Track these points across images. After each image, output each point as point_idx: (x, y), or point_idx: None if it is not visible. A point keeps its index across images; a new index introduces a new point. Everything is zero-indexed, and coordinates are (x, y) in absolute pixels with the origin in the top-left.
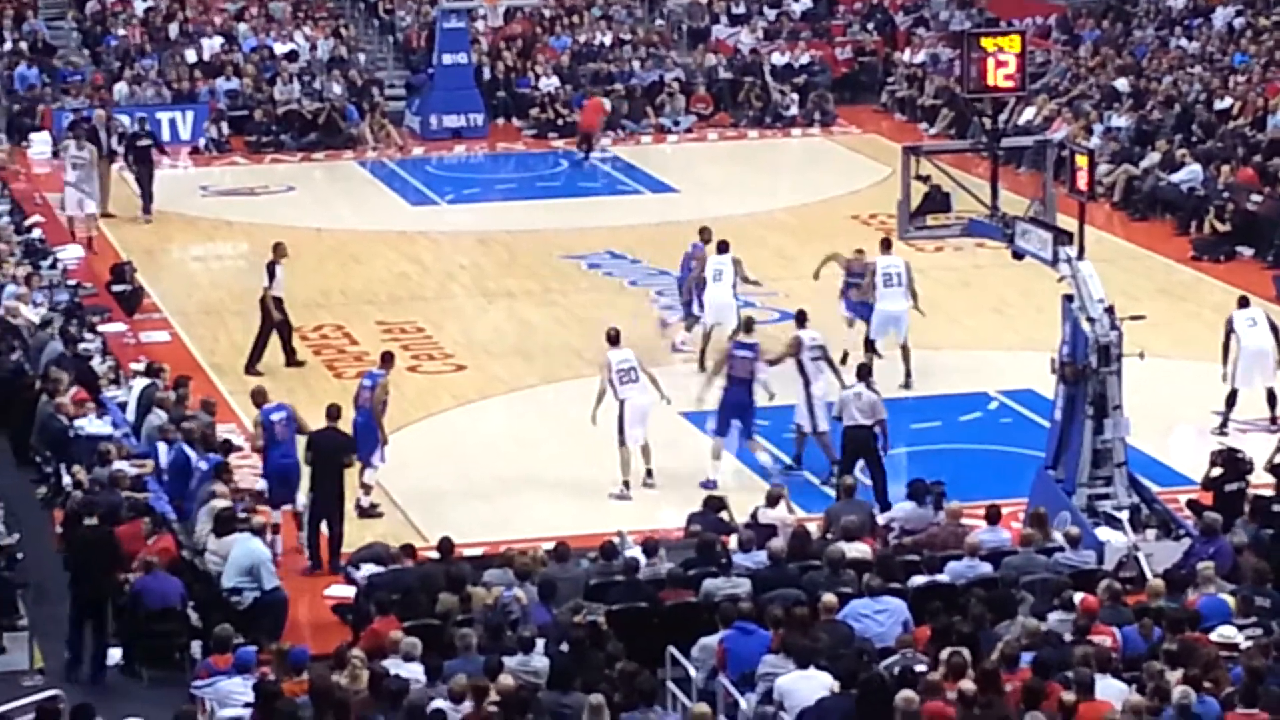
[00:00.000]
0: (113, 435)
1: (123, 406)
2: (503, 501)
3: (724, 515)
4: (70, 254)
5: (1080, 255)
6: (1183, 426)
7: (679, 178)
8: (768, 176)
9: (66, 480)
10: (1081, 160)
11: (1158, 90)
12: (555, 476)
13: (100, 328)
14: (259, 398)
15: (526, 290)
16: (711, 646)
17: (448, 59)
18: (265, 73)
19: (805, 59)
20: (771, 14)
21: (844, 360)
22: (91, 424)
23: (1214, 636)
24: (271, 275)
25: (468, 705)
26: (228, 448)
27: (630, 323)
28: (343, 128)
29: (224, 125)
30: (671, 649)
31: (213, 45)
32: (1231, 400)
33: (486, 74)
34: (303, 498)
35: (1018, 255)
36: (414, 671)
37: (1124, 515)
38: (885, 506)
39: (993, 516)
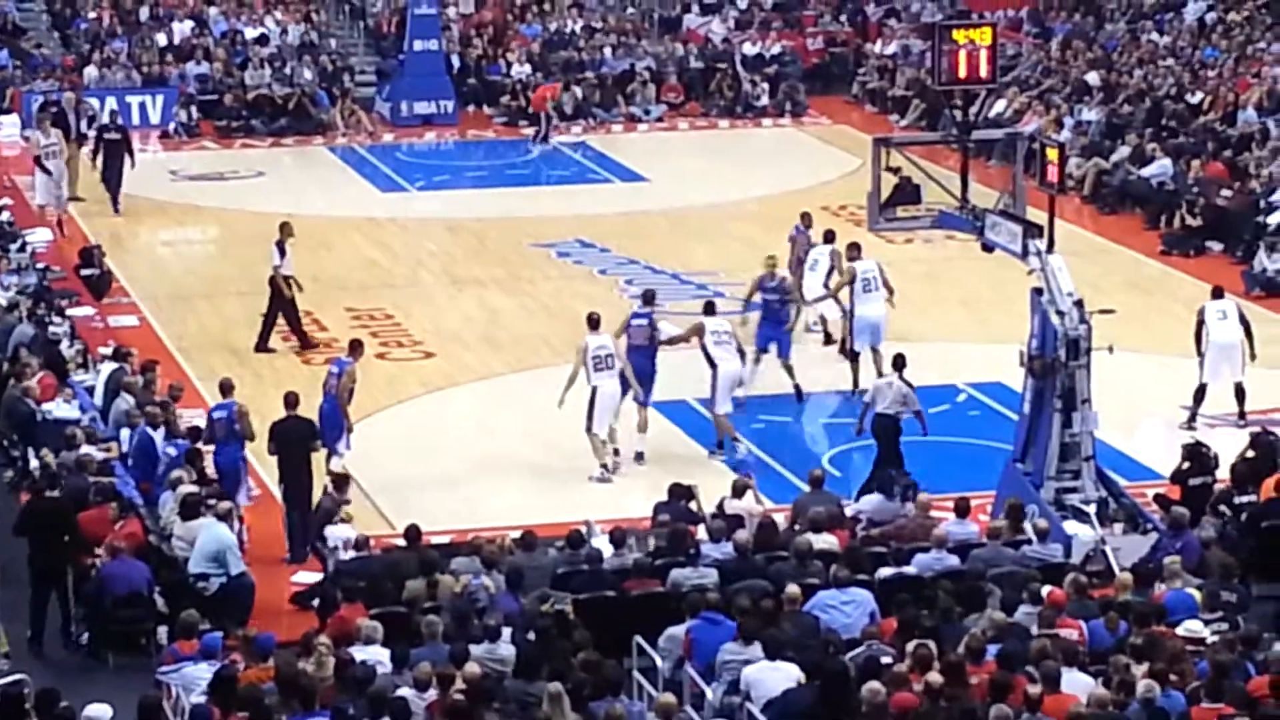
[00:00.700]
0: (80, 419)
1: (90, 391)
2: (470, 490)
3: (692, 505)
4: (39, 237)
5: (1050, 248)
6: (1151, 421)
7: (649, 167)
8: (738, 166)
9: (34, 464)
10: (1052, 153)
11: (1128, 84)
12: (523, 465)
13: (69, 312)
14: (225, 389)
15: (495, 278)
16: (678, 636)
17: (419, 45)
18: (236, 57)
19: (776, 49)
20: (743, 4)
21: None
22: (59, 408)
23: (1180, 631)
24: (282, 253)
25: (433, 693)
26: (195, 433)
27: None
28: (313, 113)
29: (194, 110)
30: (638, 639)
31: (183, 29)
32: (1200, 394)
33: (457, 61)
34: (244, 499)
35: (987, 248)
36: (377, 655)
37: (1091, 509)
38: (904, 499)
39: (961, 509)
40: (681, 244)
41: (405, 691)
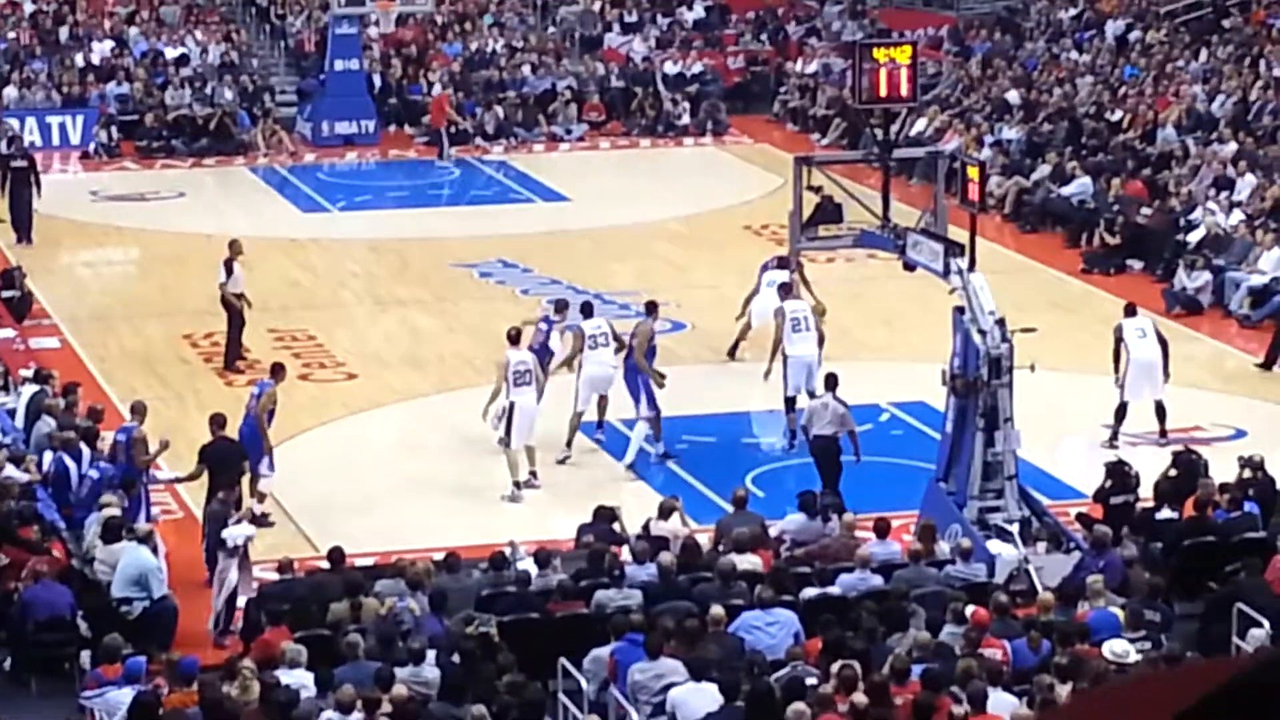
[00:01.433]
0: (2, 442)
1: (12, 414)
2: (394, 511)
3: (615, 526)
4: None
5: (971, 267)
6: (1073, 439)
7: (571, 186)
8: (660, 185)
9: None
10: (973, 172)
11: (1048, 103)
12: (447, 486)
13: None
14: (134, 410)
15: (418, 298)
16: (603, 658)
17: (340, 65)
18: (156, 78)
19: (697, 68)
20: (664, 23)
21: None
22: None
23: (1106, 653)
24: (229, 272)
25: (357, 716)
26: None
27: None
28: (234, 133)
29: (114, 130)
30: (563, 661)
31: (103, 49)
32: (1121, 413)
33: (378, 81)
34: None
35: (909, 267)
36: (301, 679)
37: (1015, 528)
38: (826, 519)
39: (882, 529)
40: (604, 263)
41: (329, 715)
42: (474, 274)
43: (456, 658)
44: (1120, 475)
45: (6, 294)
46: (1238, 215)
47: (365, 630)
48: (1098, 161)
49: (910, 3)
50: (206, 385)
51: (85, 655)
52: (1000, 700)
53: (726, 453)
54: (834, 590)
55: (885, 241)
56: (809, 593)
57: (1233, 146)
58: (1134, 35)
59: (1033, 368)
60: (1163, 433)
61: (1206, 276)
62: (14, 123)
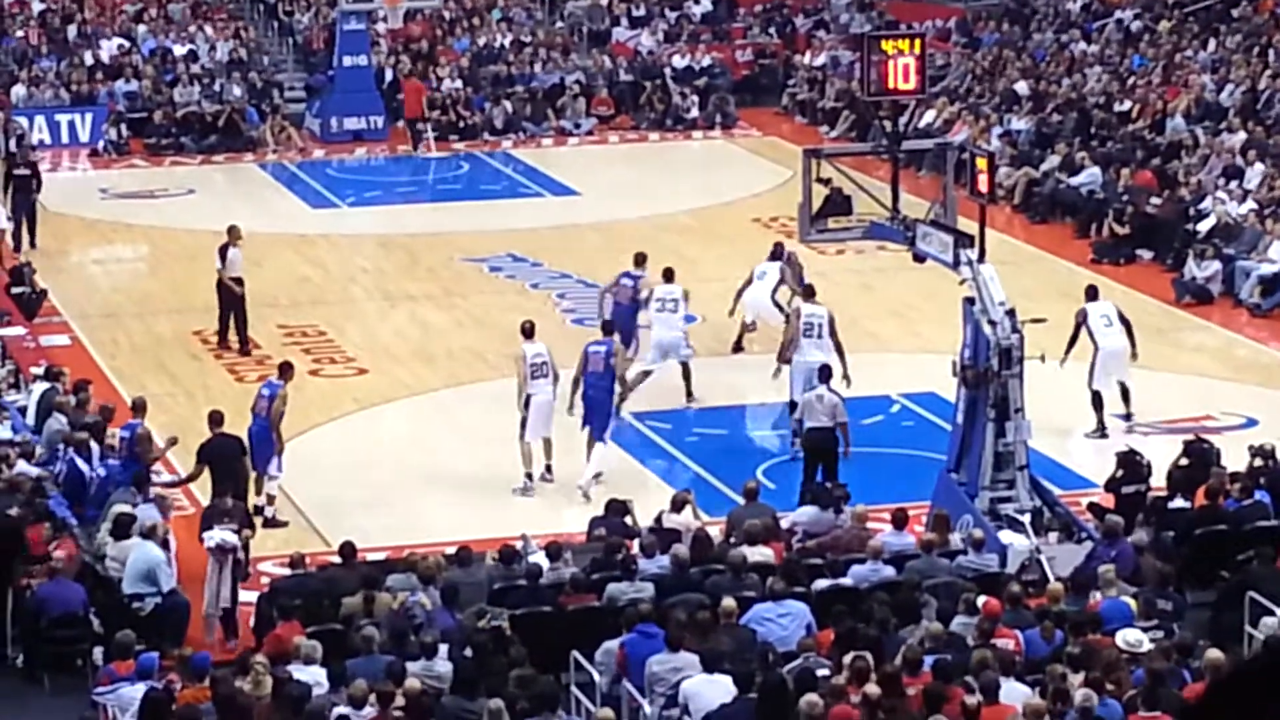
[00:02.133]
0: (13, 440)
1: (23, 411)
2: (405, 506)
3: (627, 519)
4: None
5: (981, 258)
6: (1083, 429)
7: (580, 180)
8: (669, 179)
9: None
10: (982, 163)
11: (1057, 93)
12: (458, 480)
13: None
14: (136, 408)
15: (428, 293)
16: (615, 650)
17: (348, 61)
18: (165, 75)
19: (706, 61)
20: (672, 17)
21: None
22: None
23: (1119, 642)
24: (223, 258)
25: (369, 710)
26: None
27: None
28: (243, 130)
29: (123, 127)
30: (575, 654)
31: (111, 47)
32: (1098, 402)
33: (387, 76)
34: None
35: (919, 258)
36: (314, 675)
37: (1026, 518)
38: (838, 510)
39: (899, 520)
40: (613, 257)
41: (342, 710)
42: (484, 268)
43: (469, 651)
44: (1132, 465)
45: (17, 290)
46: (1248, 204)
47: (378, 624)
48: (1107, 152)
49: None
50: (217, 382)
51: (98, 651)
52: (1013, 690)
53: (737, 445)
54: (846, 581)
55: (895, 233)
56: (821, 584)
57: (1242, 136)
58: (1143, 25)
59: (1043, 358)
60: (1128, 415)
61: (1216, 266)
62: (23, 121)
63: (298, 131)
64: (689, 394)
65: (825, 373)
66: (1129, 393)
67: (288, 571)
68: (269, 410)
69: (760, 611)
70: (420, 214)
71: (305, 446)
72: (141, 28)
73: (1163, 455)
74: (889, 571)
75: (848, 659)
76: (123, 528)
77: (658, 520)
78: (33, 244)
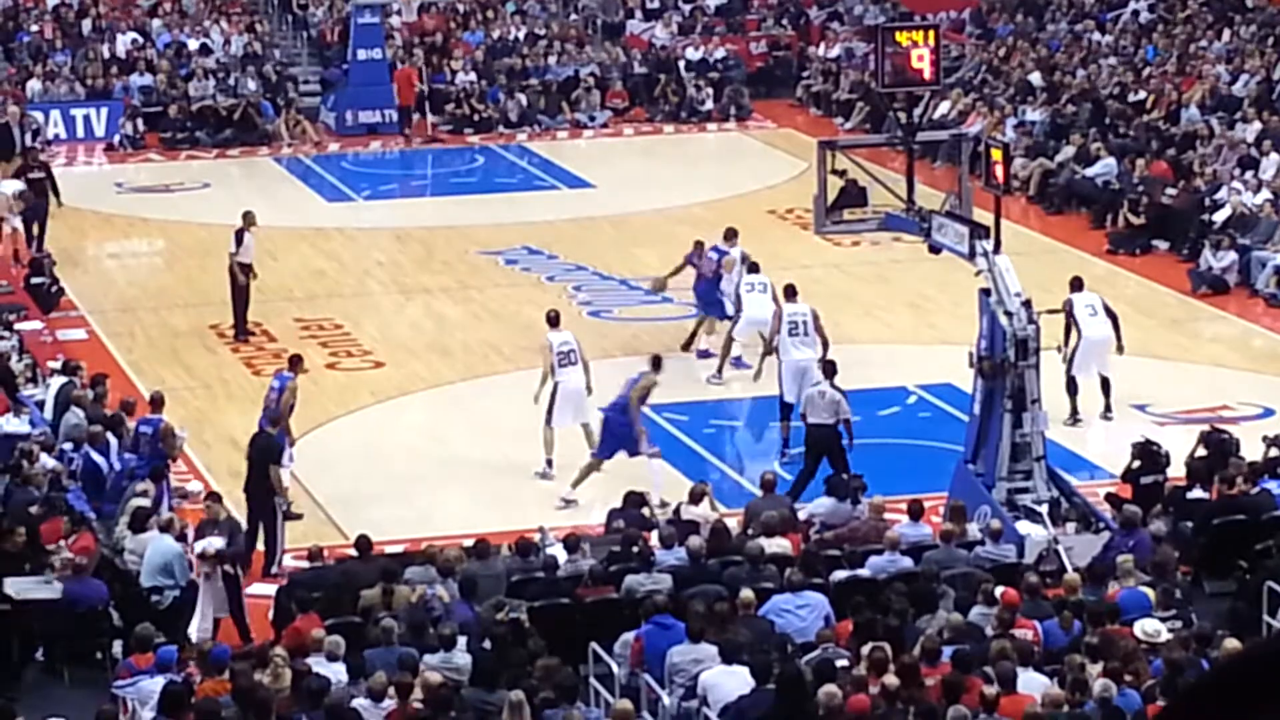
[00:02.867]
0: (30, 434)
1: (40, 405)
2: (423, 498)
3: (645, 511)
4: None
5: (997, 249)
6: (1100, 419)
7: (595, 173)
8: (684, 171)
9: None
10: (997, 154)
11: (1071, 84)
12: (475, 473)
13: (16, 326)
14: (155, 403)
15: (444, 286)
16: (630, 643)
17: (362, 55)
18: (180, 69)
19: (720, 54)
20: (686, 9)
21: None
22: (9, 423)
23: (1138, 632)
24: (239, 242)
25: (389, 703)
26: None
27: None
28: (258, 124)
29: (139, 122)
30: (594, 645)
31: (126, 41)
32: (1072, 388)
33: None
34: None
35: (934, 249)
36: (336, 671)
37: (1044, 509)
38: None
39: (915, 512)
40: (628, 249)
41: (360, 702)
42: (499, 261)
43: (487, 644)
44: (1150, 455)
45: (36, 280)
46: (1263, 194)
47: (396, 616)
48: (1122, 142)
49: None
50: (233, 375)
51: (117, 645)
52: (1031, 680)
53: (754, 437)
54: (864, 572)
55: (910, 224)
56: (839, 575)
57: (1257, 126)
58: (1157, 15)
59: (1060, 349)
60: (1108, 407)
61: (1232, 256)
62: (38, 116)
63: (312, 125)
64: (757, 374)
65: (830, 369)
66: (1109, 385)
67: (305, 564)
68: (278, 402)
69: (778, 603)
70: (435, 207)
71: (322, 439)
72: (156, 22)
73: (1180, 446)
74: (907, 562)
75: (866, 650)
76: (141, 521)
77: (676, 512)
78: (40, 244)
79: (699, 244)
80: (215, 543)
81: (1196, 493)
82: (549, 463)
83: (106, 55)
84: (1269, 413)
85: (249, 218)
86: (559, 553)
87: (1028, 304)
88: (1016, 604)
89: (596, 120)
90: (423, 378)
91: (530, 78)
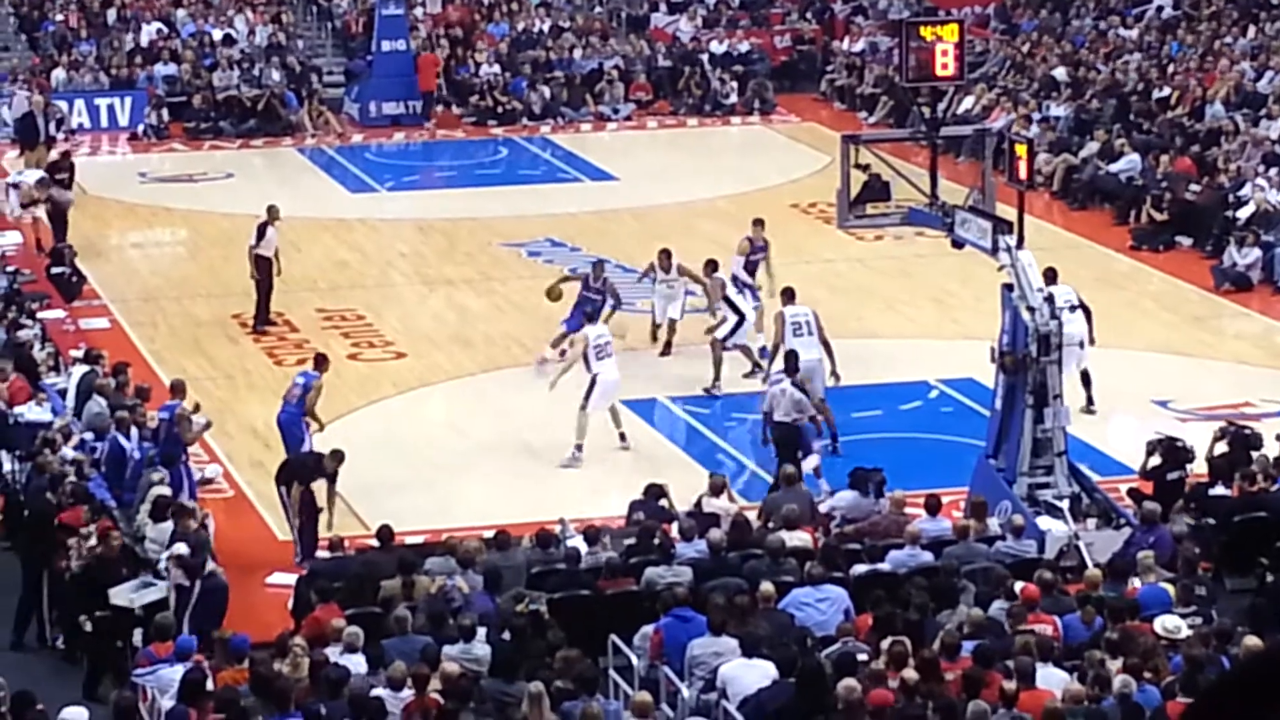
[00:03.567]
0: (53, 423)
1: (62, 394)
2: (444, 489)
3: (665, 503)
4: (8, 240)
5: (1020, 244)
6: (1122, 415)
7: (618, 165)
8: (707, 164)
9: (7, 467)
10: (1020, 149)
11: (1096, 79)
12: (496, 464)
13: (39, 314)
14: (174, 389)
15: (466, 278)
16: (650, 635)
17: (386, 46)
18: (204, 59)
19: (744, 47)
20: (710, 2)
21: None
22: (31, 411)
23: (1158, 629)
24: (260, 235)
25: (407, 692)
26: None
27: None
28: (282, 114)
29: (163, 111)
30: (613, 637)
31: (151, 31)
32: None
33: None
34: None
35: (957, 244)
36: (356, 662)
37: (1065, 504)
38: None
39: (933, 506)
40: (651, 242)
41: (380, 692)
42: (522, 253)
43: (507, 635)
44: (1173, 451)
45: (56, 270)
46: None
47: (415, 607)
48: (1146, 138)
49: None
50: (255, 365)
51: (137, 633)
52: (1051, 675)
53: None
54: (884, 567)
55: (933, 219)
56: (859, 569)
57: None
58: (1182, 12)
59: (1081, 344)
60: (1090, 401)
61: (1256, 253)
62: (62, 105)
63: (336, 116)
64: (765, 375)
65: (790, 366)
66: (1090, 379)
67: (326, 554)
68: (301, 399)
69: (798, 596)
70: (459, 199)
71: (343, 430)
72: (181, 12)
73: (1202, 442)
74: (927, 557)
75: (886, 644)
76: (162, 510)
77: (696, 505)
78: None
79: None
80: (180, 548)
81: (1218, 489)
82: (579, 448)
83: (131, 45)
84: None
85: (272, 212)
86: (579, 544)
87: (1050, 299)
88: (1036, 599)
89: (620, 113)
90: (444, 369)
91: (554, 70)
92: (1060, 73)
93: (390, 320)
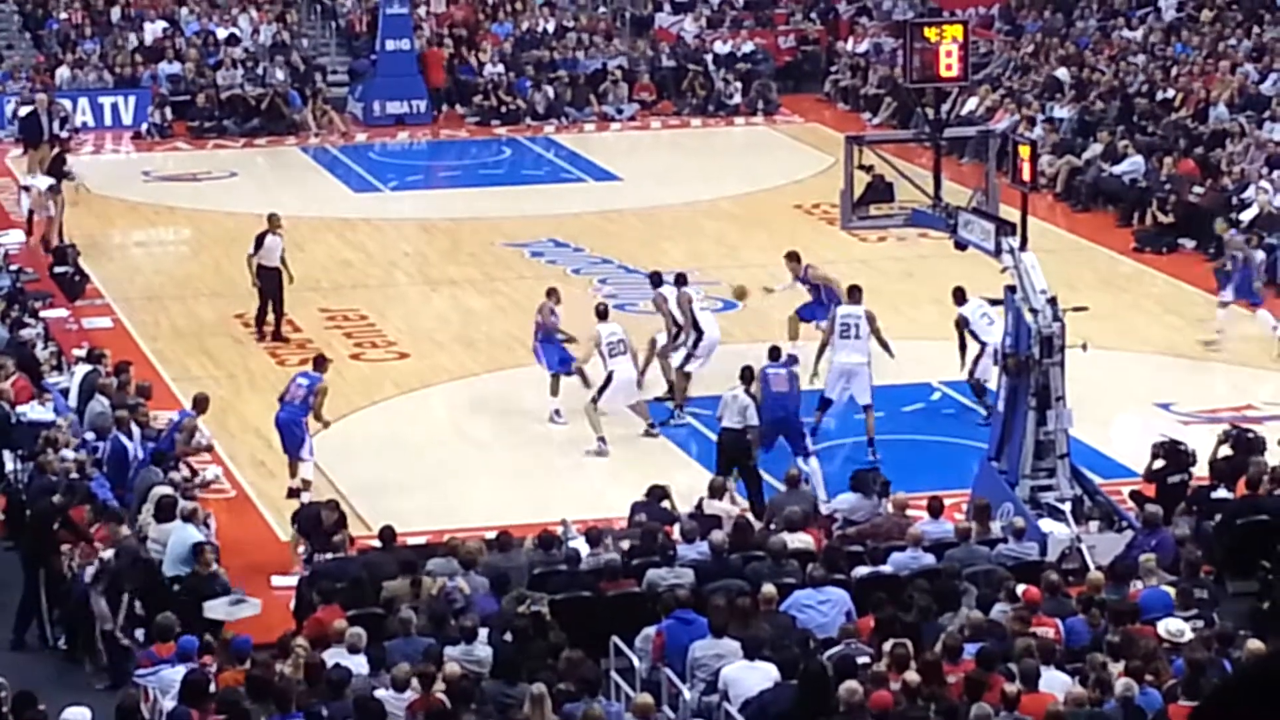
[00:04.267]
0: (55, 422)
1: (65, 393)
2: (446, 490)
3: (666, 504)
4: (11, 239)
5: (1023, 246)
6: (1125, 418)
7: (622, 166)
8: (711, 165)
9: (9, 467)
10: (1024, 151)
11: (1100, 81)
12: (498, 465)
13: (42, 313)
14: (197, 404)
15: (469, 278)
16: (652, 637)
17: (390, 45)
18: (208, 58)
19: (748, 48)
20: (714, 2)
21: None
22: (34, 410)
23: (1162, 633)
24: (259, 244)
25: (409, 693)
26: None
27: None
28: (285, 113)
29: (167, 110)
30: (615, 639)
31: (155, 29)
32: (979, 389)
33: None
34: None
35: (960, 246)
36: (358, 663)
37: (1067, 507)
38: (758, 513)
39: (935, 508)
40: (655, 243)
41: (382, 693)
42: (525, 253)
43: (509, 636)
44: (1175, 454)
45: (60, 269)
46: None
47: (417, 609)
48: (1149, 140)
49: None
50: (258, 364)
51: (139, 633)
52: (1053, 678)
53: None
54: (886, 569)
55: (937, 220)
56: (861, 571)
57: None
58: (1185, 14)
59: (1085, 346)
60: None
61: (1260, 255)
62: (66, 103)
63: (340, 115)
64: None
65: (745, 374)
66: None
67: (328, 555)
68: (304, 400)
69: (800, 598)
70: (462, 199)
71: (346, 430)
72: (185, 10)
73: (1205, 445)
74: (929, 559)
75: (888, 646)
76: (165, 510)
77: (698, 506)
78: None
79: (806, 266)
80: (107, 554)
81: (1220, 492)
82: (602, 440)
83: (135, 43)
84: None
85: (273, 220)
86: (581, 546)
87: (1053, 301)
88: (1038, 602)
89: (624, 113)
90: (447, 369)
91: (558, 70)
92: (1064, 74)
93: (393, 320)
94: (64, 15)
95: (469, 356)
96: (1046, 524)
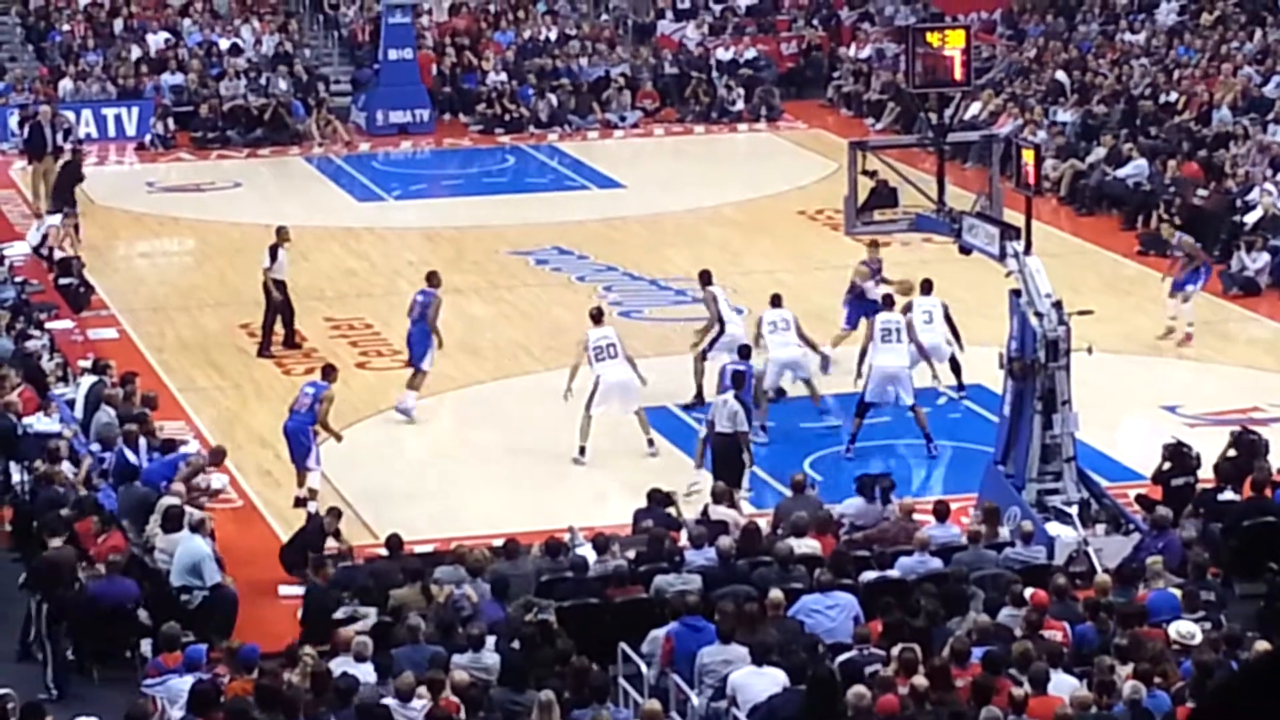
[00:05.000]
0: (61, 433)
1: (71, 404)
2: (452, 498)
3: (671, 511)
4: (16, 251)
5: (1027, 250)
6: (1131, 421)
7: (626, 173)
8: (714, 171)
9: (16, 478)
10: (1028, 155)
11: (1103, 85)
12: (504, 473)
13: (48, 325)
14: (215, 454)
15: (474, 286)
16: (660, 639)
17: (393, 54)
18: (211, 69)
19: (751, 54)
20: (717, 9)
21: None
22: (40, 422)
23: (1172, 635)
24: (273, 258)
25: (418, 703)
26: (169, 447)
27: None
28: (289, 123)
29: (170, 121)
30: (623, 646)
31: (157, 41)
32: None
33: (432, 69)
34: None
35: (965, 250)
36: (365, 672)
37: (1073, 510)
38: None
39: (942, 512)
40: (659, 249)
41: (389, 702)
42: (529, 261)
43: (516, 644)
44: (1181, 456)
45: (64, 281)
46: None
47: (424, 615)
48: (1153, 143)
49: None
50: (264, 375)
51: (146, 644)
52: (1060, 682)
53: (784, 437)
54: (893, 573)
55: (941, 225)
56: (868, 576)
57: None
58: (1187, 16)
59: (1090, 350)
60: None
61: (1265, 258)
62: (70, 115)
63: (343, 125)
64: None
65: (737, 380)
66: (960, 366)
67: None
68: (310, 408)
69: (808, 603)
70: (466, 207)
71: (352, 439)
72: (187, 21)
73: (1211, 447)
74: (936, 563)
75: (895, 650)
76: (173, 521)
77: (704, 512)
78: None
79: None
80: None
81: (1227, 494)
82: (582, 450)
83: (138, 55)
84: None
85: (282, 233)
86: (588, 553)
87: (1058, 305)
88: (1045, 605)
89: (627, 120)
90: (452, 378)
91: (561, 78)
92: (1065, 77)
93: (398, 329)
94: (66, 27)
95: (474, 364)
96: (1053, 527)
